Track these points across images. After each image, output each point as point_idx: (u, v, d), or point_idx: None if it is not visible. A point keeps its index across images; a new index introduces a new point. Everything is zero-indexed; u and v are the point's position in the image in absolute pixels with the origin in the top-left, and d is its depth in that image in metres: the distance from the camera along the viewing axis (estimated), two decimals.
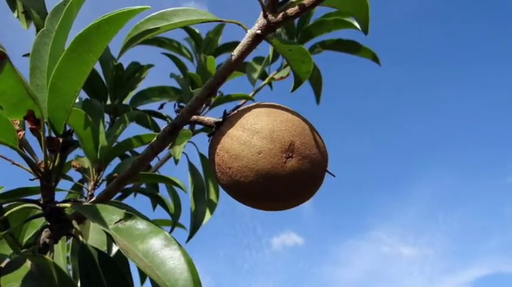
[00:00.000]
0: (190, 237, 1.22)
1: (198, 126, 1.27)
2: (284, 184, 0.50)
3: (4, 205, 0.58)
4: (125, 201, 1.19)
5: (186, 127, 0.63)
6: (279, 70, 1.42)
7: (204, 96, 0.54)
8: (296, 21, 1.34)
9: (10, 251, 0.63)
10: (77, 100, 0.77)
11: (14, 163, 0.55)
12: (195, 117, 0.56)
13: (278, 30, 1.24)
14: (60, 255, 0.61)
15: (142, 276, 1.24)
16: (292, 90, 0.61)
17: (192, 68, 1.44)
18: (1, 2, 0.85)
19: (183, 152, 0.98)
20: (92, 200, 0.62)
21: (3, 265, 0.51)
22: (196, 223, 1.21)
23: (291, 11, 0.50)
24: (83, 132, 0.80)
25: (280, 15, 0.51)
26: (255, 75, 1.35)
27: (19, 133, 0.53)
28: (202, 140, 1.42)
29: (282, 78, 1.41)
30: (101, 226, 0.45)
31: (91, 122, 0.79)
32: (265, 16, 0.51)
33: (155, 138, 0.56)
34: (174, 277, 0.39)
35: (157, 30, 0.57)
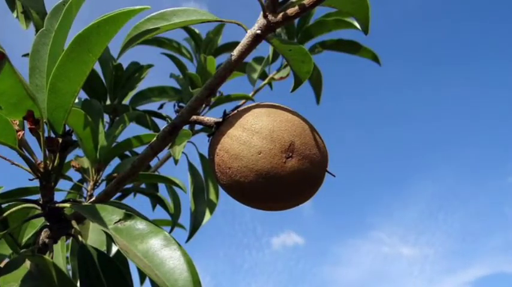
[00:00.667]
0: (190, 237, 1.22)
1: (197, 127, 1.27)
2: (284, 184, 0.50)
3: (3, 205, 0.58)
4: (125, 201, 1.19)
5: (186, 127, 0.63)
6: (279, 70, 1.42)
7: (203, 96, 0.54)
8: (296, 21, 1.34)
9: (9, 251, 0.63)
10: (76, 100, 0.77)
11: (13, 163, 0.55)
12: (194, 117, 0.56)
13: (278, 30, 1.24)
14: (60, 255, 0.61)
15: (142, 276, 1.24)
16: (292, 90, 0.61)
17: (191, 68, 1.44)
18: (0, 2, 0.85)
19: (182, 152, 0.98)
20: (92, 200, 0.62)
21: (2, 265, 0.51)
22: (196, 223, 1.21)
23: (291, 11, 0.50)
24: (82, 133, 0.80)
25: (280, 15, 0.51)
26: (255, 75, 1.35)
27: (18, 133, 0.53)
28: (202, 140, 1.42)
29: (282, 78, 1.41)
30: (101, 226, 0.45)
31: (90, 122, 0.79)
32: (265, 16, 0.51)
33: (155, 138, 0.56)
34: (173, 277, 0.39)
35: (157, 30, 0.57)
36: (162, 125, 1.31)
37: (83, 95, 1.38)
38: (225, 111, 0.55)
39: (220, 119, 0.54)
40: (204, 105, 1.31)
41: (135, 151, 1.22)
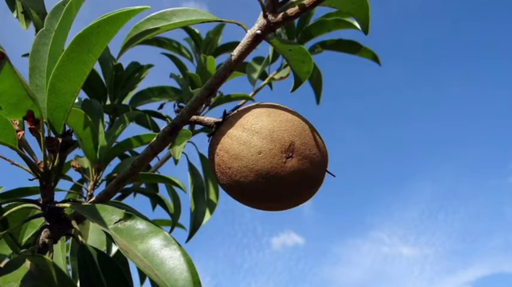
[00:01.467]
0: (190, 237, 1.22)
1: (198, 127, 1.27)
2: (284, 184, 0.50)
3: (3, 205, 0.58)
4: (125, 201, 1.19)
5: (186, 127, 0.63)
6: (279, 70, 1.42)
7: (204, 96, 0.54)
8: (296, 21, 1.34)
9: (9, 251, 0.63)
10: (77, 100, 0.77)
11: (13, 163, 0.55)
12: (194, 117, 0.56)
13: (278, 30, 1.24)
14: (60, 255, 0.61)
15: (142, 276, 1.24)
16: (292, 90, 0.61)
17: (191, 68, 1.44)
18: (0, 2, 0.85)
19: (182, 152, 0.98)
20: (92, 200, 0.62)
21: (2, 265, 0.51)
22: (196, 223, 1.21)
23: (291, 11, 0.50)
24: (82, 133, 0.80)
25: (280, 15, 0.51)
26: (255, 75, 1.35)
27: (18, 133, 0.53)
28: (202, 140, 1.42)
29: (282, 78, 1.41)
30: (101, 226, 0.45)
31: (90, 122, 0.79)
32: (265, 16, 0.51)
33: (155, 138, 0.56)
34: (173, 277, 0.39)
35: (157, 30, 0.57)
36: (162, 125, 1.31)
37: (83, 95, 1.38)
38: (225, 111, 0.55)
39: (220, 119, 0.54)
40: (204, 105, 1.31)
41: (135, 151, 1.22)
